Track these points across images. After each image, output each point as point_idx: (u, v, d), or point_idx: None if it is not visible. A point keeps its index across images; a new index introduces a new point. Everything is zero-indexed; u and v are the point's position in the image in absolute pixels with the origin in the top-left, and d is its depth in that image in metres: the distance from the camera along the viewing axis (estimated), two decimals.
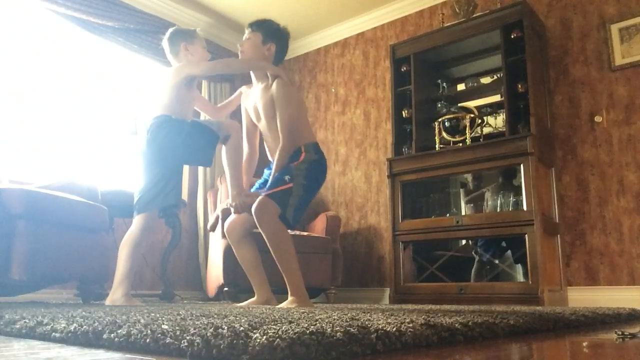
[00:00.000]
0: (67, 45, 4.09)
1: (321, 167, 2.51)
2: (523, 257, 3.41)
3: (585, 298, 3.43)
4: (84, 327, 1.03)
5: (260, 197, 2.33)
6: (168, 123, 2.53)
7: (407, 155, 3.95)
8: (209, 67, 2.63)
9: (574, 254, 3.54)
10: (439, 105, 4.14)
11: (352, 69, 4.97)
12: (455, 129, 3.91)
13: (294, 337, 0.79)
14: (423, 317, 1.27)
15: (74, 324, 1.06)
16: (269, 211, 2.30)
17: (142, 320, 1.06)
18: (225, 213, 3.19)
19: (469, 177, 4.04)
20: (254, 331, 0.83)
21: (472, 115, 3.93)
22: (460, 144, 3.81)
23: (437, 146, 3.87)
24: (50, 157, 3.81)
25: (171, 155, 2.56)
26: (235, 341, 0.79)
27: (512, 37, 3.65)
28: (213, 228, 3.89)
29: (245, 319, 1.13)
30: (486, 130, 4.01)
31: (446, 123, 3.94)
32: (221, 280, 3.60)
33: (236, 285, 3.53)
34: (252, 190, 2.60)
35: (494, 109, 3.99)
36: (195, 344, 0.82)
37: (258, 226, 2.33)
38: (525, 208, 3.32)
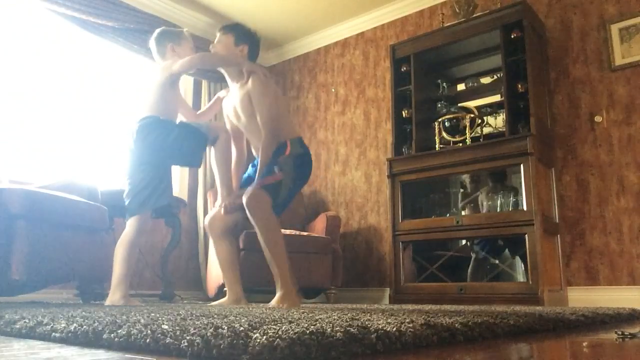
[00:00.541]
0: (67, 45, 4.09)
1: (307, 161, 2.52)
2: (522, 255, 3.41)
3: (585, 298, 3.43)
4: (84, 327, 1.03)
5: (251, 188, 2.34)
6: (157, 124, 2.54)
7: (407, 155, 3.95)
8: (186, 62, 2.61)
9: (574, 254, 3.54)
10: (439, 105, 4.14)
11: (352, 69, 4.97)
12: (455, 129, 3.91)
13: (294, 337, 0.79)
14: (423, 317, 1.27)
15: (74, 324, 1.06)
16: (262, 201, 2.31)
17: (142, 320, 1.06)
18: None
19: (466, 178, 4.04)
20: (254, 331, 0.83)
21: (472, 115, 3.93)
22: (460, 144, 3.81)
23: (437, 146, 3.87)
24: (50, 157, 3.81)
25: (161, 156, 2.56)
26: (235, 341, 0.79)
27: (512, 37, 3.65)
28: None
29: (245, 319, 1.13)
30: (486, 130, 4.01)
31: (446, 123, 3.94)
32: (221, 280, 3.59)
33: None
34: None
35: (494, 109, 3.99)
36: (195, 344, 0.82)
37: (250, 217, 2.32)
38: (525, 208, 3.32)
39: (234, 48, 2.62)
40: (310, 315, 1.38)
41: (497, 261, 3.73)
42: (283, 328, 0.86)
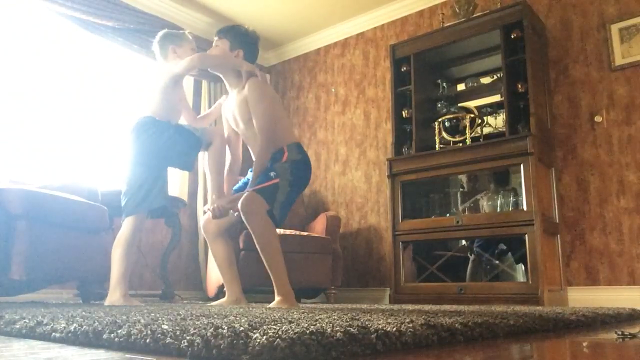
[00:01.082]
0: (67, 45, 4.09)
1: (305, 166, 2.50)
2: (522, 256, 3.41)
3: (585, 298, 3.43)
4: (84, 327, 1.03)
5: (247, 193, 2.33)
6: (152, 124, 2.55)
7: (407, 155, 3.95)
8: (186, 63, 2.60)
9: (574, 254, 3.54)
10: (439, 105, 4.14)
11: (352, 69, 4.97)
12: (455, 129, 3.91)
13: (294, 337, 0.79)
14: (423, 317, 1.27)
15: (74, 324, 1.06)
16: (257, 206, 2.29)
17: (142, 320, 1.06)
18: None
19: (463, 177, 4.04)
20: (254, 331, 0.83)
21: (472, 115, 3.93)
22: (460, 144, 3.81)
23: (437, 146, 3.87)
24: (50, 157, 3.81)
25: (154, 157, 2.57)
26: (235, 341, 0.79)
27: (512, 37, 3.65)
28: None
29: (245, 319, 1.13)
30: (486, 130, 4.01)
31: (446, 123, 3.94)
32: (221, 280, 3.59)
33: None
34: (235, 187, 2.62)
35: (494, 109, 3.99)
36: (195, 344, 0.82)
37: (245, 222, 2.31)
38: (525, 208, 3.32)
39: (229, 53, 2.62)
40: (310, 315, 1.38)
41: (496, 261, 3.73)
42: (283, 328, 0.86)
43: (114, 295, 2.48)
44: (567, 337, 1.34)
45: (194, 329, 0.89)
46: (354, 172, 4.77)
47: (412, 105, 4.05)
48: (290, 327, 0.89)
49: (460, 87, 4.27)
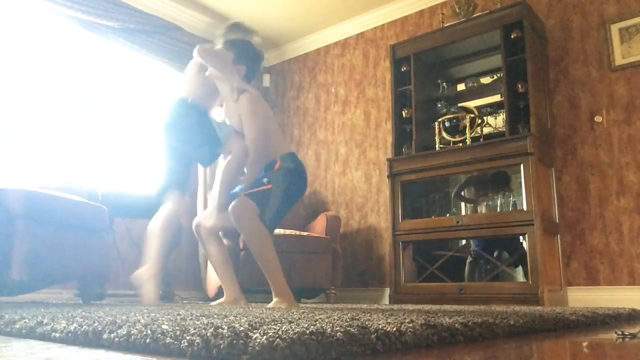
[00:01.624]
0: (68, 45, 4.09)
1: (299, 176, 2.50)
2: (521, 259, 3.41)
3: (585, 298, 3.43)
4: (84, 327, 1.03)
5: (238, 198, 2.33)
6: (181, 105, 2.54)
7: (407, 155, 3.95)
8: (200, 54, 2.60)
9: (574, 254, 3.54)
10: (439, 105, 4.14)
11: (352, 69, 4.97)
12: (455, 129, 3.91)
13: (294, 337, 0.79)
14: (423, 317, 1.27)
15: (74, 324, 1.06)
16: (247, 211, 2.30)
17: (142, 320, 1.06)
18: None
19: (469, 192, 4.05)
20: (254, 331, 0.83)
21: (472, 115, 3.93)
22: (460, 144, 3.81)
23: (437, 146, 3.87)
24: (50, 157, 3.81)
25: (180, 143, 2.57)
26: (235, 341, 0.79)
27: (512, 37, 3.65)
28: None
29: (245, 319, 1.13)
30: (486, 130, 4.01)
31: (446, 123, 3.93)
32: None
33: None
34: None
35: (494, 109, 3.99)
36: (195, 344, 0.82)
37: (236, 226, 2.32)
38: (525, 208, 3.32)
39: (232, 66, 2.61)
40: (310, 315, 1.38)
41: (496, 261, 3.73)
42: (283, 328, 0.86)
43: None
44: (567, 337, 1.34)
45: (194, 329, 0.89)
46: (354, 172, 4.77)
47: (412, 105, 4.05)
48: (290, 327, 0.89)
49: (460, 87, 4.27)
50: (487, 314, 1.53)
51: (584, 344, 1.22)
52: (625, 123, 3.48)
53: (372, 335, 0.90)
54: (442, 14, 4.25)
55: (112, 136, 4.20)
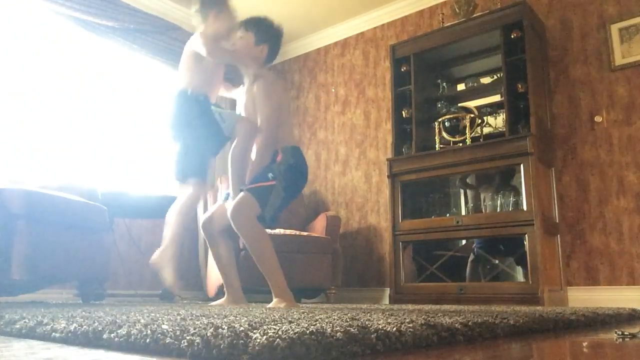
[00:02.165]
0: (68, 45, 4.09)
1: (299, 172, 2.48)
2: (522, 258, 3.41)
3: (585, 298, 3.43)
4: (84, 327, 1.03)
5: (239, 196, 2.32)
6: (181, 98, 2.49)
7: (407, 155, 3.95)
8: (208, 50, 2.49)
9: (574, 254, 3.54)
10: (439, 105, 4.14)
11: (352, 69, 4.97)
12: (455, 129, 3.91)
13: (294, 337, 0.79)
14: (423, 317, 1.27)
15: (74, 324, 1.06)
16: (245, 213, 2.29)
17: (142, 320, 1.06)
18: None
19: (471, 179, 4.05)
20: (254, 331, 0.83)
21: (472, 115, 3.93)
22: (460, 144, 3.81)
23: (437, 146, 3.87)
24: (50, 157, 3.81)
25: (186, 137, 2.55)
26: (235, 341, 0.79)
27: (512, 37, 3.65)
28: None
29: (245, 319, 1.13)
30: (486, 130, 4.01)
31: (446, 123, 3.94)
32: (221, 280, 3.59)
33: None
34: (228, 191, 2.59)
35: (494, 109, 3.99)
36: (195, 344, 0.82)
37: (234, 228, 2.32)
38: (525, 208, 3.32)
39: (254, 47, 2.57)
40: (310, 315, 1.38)
41: (496, 261, 3.73)
42: (283, 328, 0.86)
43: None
44: (567, 337, 1.34)
45: (194, 329, 0.89)
46: (354, 172, 4.77)
47: (412, 105, 4.05)
48: (290, 327, 0.89)
49: (460, 87, 4.27)
50: (487, 314, 1.53)
51: (584, 344, 1.22)
52: (625, 123, 3.48)
53: (372, 335, 0.90)
54: (442, 14, 4.25)
55: (112, 136, 4.20)
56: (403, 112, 4.10)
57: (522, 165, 3.36)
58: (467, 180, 4.07)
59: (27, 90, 3.77)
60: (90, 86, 4.16)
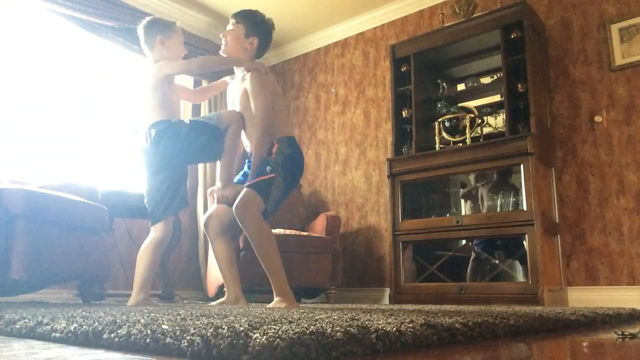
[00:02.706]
0: (67, 45, 4.09)
1: (296, 161, 2.49)
2: (522, 255, 3.41)
3: (585, 298, 3.43)
4: (84, 327, 1.03)
5: (242, 192, 2.33)
6: (169, 127, 2.50)
7: (407, 155, 3.95)
8: (184, 66, 2.57)
9: (574, 254, 3.54)
10: (439, 105, 4.14)
11: (352, 69, 4.97)
12: (455, 129, 3.91)
13: (294, 337, 0.79)
14: (423, 317, 1.27)
15: (74, 324, 1.06)
16: (251, 208, 2.29)
17: (142, 320, 1.06)
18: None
19: (471, 177, 4.05)
20: (254, 331, 0.83)
21: (472, 115, 3.93)
22: (460, 144, 3.81)
23: (437, 146, 3.87)
24: (50, 157, 3.81)
25: (175, 160, 2.54)
26: (235, 341, 0.79)
27: (512, 37, 3.65)
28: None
29: (245, 319, 1.13)
30: (486, 130, 4.01)
31: (446, 123, 3.93)
32: (221, 280, 3.58)
33: None
34: (234, 180, 2.59)
35: (494, 109, 3.99)
36: (195, 344, 0.82)
37: (239, 224, 2.32)
38: (525, 208, 3.32)
39: (243, 40, 2.59)
40: (310, 315, 1.38)
41: (496, 261, 3.73)
42: (283, 328, 0.86)
43: (139, 297, 2.48)
44: (567, 337, 1.34)
45: (194, 329, 0.89)
46: (354, 172, 4.77)
47: (412, 105, 4.05)
48: (290, 327, 0.89)
49: (460, 87, 4.27)
50: (487, 314, 1.53)
51: (584, 344, 1.22)
52: (625, 123, 3.48)
53: (372, 335, 0.90)
54: (442, 14, 4.25)
55: (112, 136, 4.20)
56: (403, 112, 4.10)
57: (522, 165, 3.36)
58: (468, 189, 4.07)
59: (27, 90, 3.77)
60: (90, 86, 4.16)
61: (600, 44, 3.64)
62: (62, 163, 3.86)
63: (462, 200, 4.09)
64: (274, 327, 0.89)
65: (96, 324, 1.03)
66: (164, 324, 0.98)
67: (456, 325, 1.11)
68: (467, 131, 3.80)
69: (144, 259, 2.51)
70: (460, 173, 3.83)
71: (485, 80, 4.12)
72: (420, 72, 4.15)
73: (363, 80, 4.87)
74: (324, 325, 0.94)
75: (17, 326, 1.19)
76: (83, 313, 1.40)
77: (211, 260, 3.97)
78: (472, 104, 4.13)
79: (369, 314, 1.45)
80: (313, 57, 5.28)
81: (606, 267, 3.41)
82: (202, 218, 2.63)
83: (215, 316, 1.23)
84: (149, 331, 0.92)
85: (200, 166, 4.62)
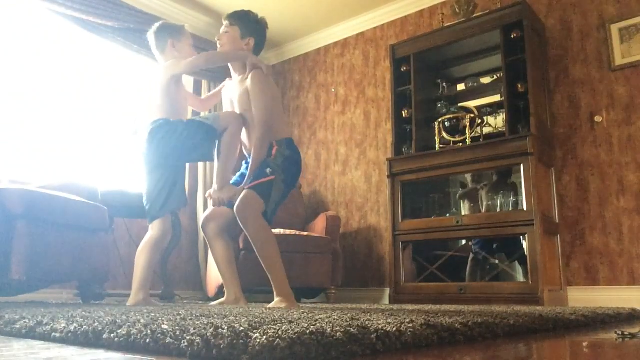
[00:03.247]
0: (67, 45, 4.09)
1: (294, 163, 2.49)
2: (522, 255, 3.41)
3: (585, 298, 3.43)
4: (84, 327, 1.03)
5: (243, 193, 2.33)
6: (164, 125, 2.52)
7: (407, 155, 3.95)
8: (190, 63, 2.59)
9: (574, 254, 3.54)
10: (439, 105, 4.14)
11: (352, 69, 4.97)
12: (455, 129, 3.91)
13: (294, 337, 0.79)
14: (423, 317, 1.27)
15: (74, 324, 1.06)
16: (252, 209, 2.29)
17: (142, 320, 1.06)
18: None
19: (468, 177, 4.05)
20: (254, 331, 0.83)
21: (472, 115, 3.93)
22: (460, 144, 3.81)
23: (437, 146, 3.87)
24: (50, 157, 3.81)
25: (170, 158, 2.56)
26: (235, 341, 0.79)
27: (512, 37, 3.65)
28: None
29: (245, 319, 1.13)
30: (486, 130, 4.01)
31: (446, 123, 3.93)
32: (221, 280, 3.59)
33: None
34: (231, 182, 2.59)
35: (494, 109, 3.99)
36: (195, 344, 0.82)
37: (241, 225, 2.32)
38: (525, 208, 3.32)
39: (239, 41, 2.58)
40: (310, 315, 1.38)
41: (496, 261, 3.73)
42: (283, 328, 0.86)
43: (138, 296, 2.48)
44: (567, 337, 1.34)
45: (194, 329, 0.89)
46: (354, 172, 4.77)
47: (412, 105, 4.05)
48: (290, 327, 0.89)
49: (460, 87, 4.27)
50: (487, 314, 1.53)
51: (584, 344, 1.22)
52: (625, 123, 3.48)
53: (372, 335, 0.90)
54: (442, 14, 4.25)
55: (112, 136, 4.20)
56: (403, 112, 4.10)
57: (522, 165, 3.36)
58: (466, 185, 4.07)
59: (27, 90, 3.77)
60: (91, 86, 4.16)
61: (600, 44, 3.64)
62: (62, 163, 3.86)
63: (461, 201, 4.09)
64: (274, 327, 0.89)
65: (96, 324, 1.03)
66: (164, 324, 0.98)
67: (456, 325, 1.11)
68: (467, 131, 3.80)
69: (142, 258, 2.52)
70: (460, 173, 3.83)
71: (485, 80, 4.12)
72: (420, 72, 4.15)
73: (363, 80, 4.87)
74: (324, 325, 0.94)
75: (17, 326, 1.19)
76: (83, 313, 1.40)
77: (211, 260, 3.97)
78: (472, 104, 4.13)
79: (369, 314, 1.45)
80: (313, 57, 5.28)
81: (606, 267, 3.41)
82: (200, 219, 2.63)
83: (215, 316, 1.23)
84: (149, 331, 0.92)
85: (201, 166, 4.62)
